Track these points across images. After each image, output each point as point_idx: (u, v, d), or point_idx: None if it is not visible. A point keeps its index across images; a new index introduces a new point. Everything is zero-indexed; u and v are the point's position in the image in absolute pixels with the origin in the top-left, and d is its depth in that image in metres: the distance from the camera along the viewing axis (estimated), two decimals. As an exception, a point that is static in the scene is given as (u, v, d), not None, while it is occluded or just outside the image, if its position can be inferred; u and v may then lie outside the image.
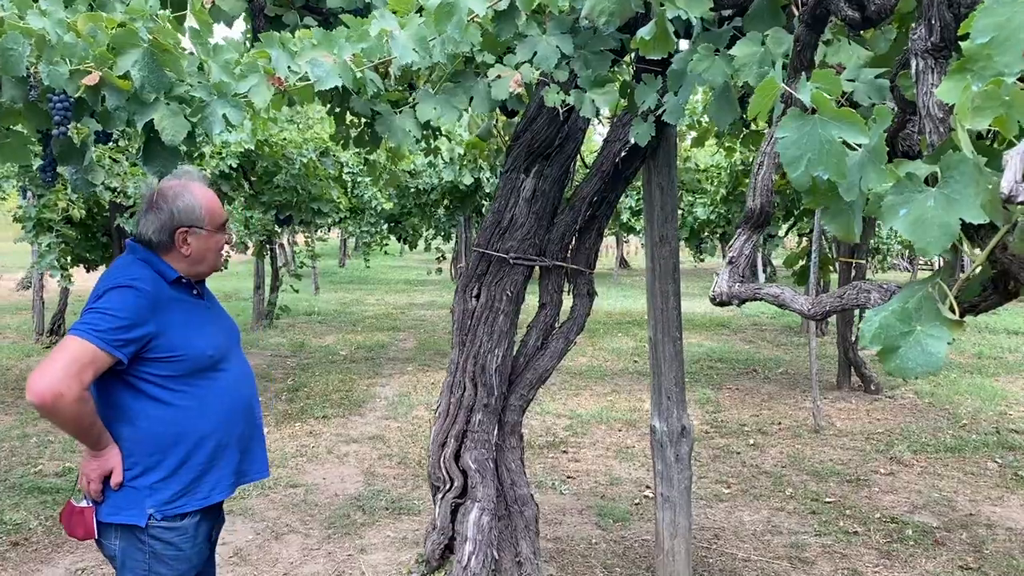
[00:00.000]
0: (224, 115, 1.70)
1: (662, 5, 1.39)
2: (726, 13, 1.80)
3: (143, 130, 1.73)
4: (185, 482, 2.13)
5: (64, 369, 1.89)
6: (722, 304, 1.43)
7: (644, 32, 1.46)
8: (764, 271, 19.07)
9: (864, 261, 7.97)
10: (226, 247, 2.32)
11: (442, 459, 3.12)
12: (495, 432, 3.17)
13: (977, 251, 0.96)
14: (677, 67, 2.02)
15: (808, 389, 8.04)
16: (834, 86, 1.02)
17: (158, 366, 2.09)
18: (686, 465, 3.47)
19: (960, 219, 0.87)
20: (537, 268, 3.23)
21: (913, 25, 1.22)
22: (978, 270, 0.97)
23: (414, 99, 2.03)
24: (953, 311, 0.92)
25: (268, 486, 5.02)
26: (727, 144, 5.18)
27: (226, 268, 10.99)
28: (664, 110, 2.08)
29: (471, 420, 3.14)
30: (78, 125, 1.78)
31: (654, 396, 3.53)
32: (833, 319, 8.26)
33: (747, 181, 7.28)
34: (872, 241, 8.05)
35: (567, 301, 3.33)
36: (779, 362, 9.67)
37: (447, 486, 3.10)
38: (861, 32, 1.67)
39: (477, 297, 3.20)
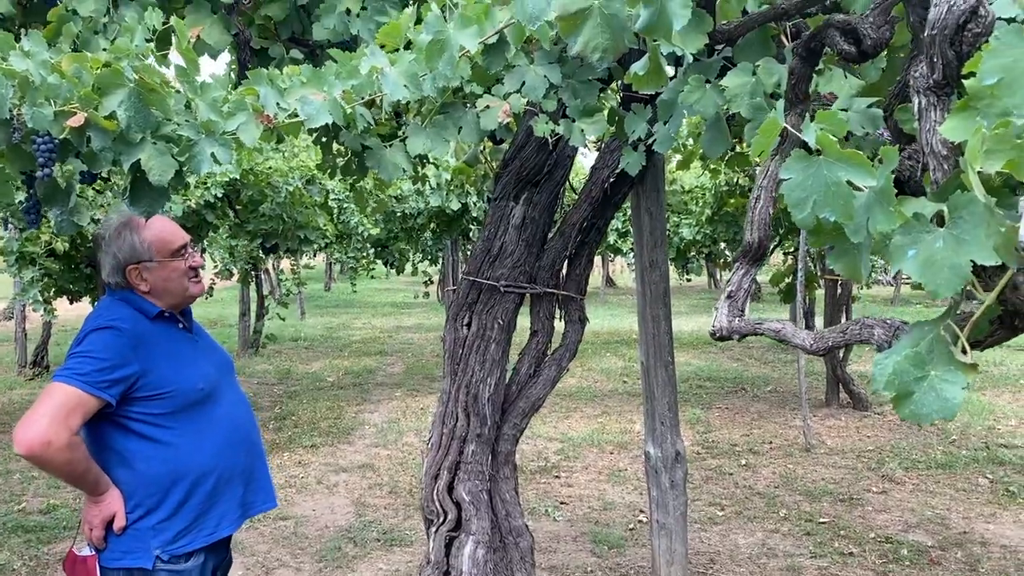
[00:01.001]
0: (212, 154, 1.67)
1: (655, 41, 1.38)
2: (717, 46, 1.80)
3: (129, 170, 1.71)
4: (188, 520, 2.09)
5: (50, 416, 1.85)
6: (722, 339, 1.41)
7: (637, 67, 1.46)
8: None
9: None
10: (196, 270, 2.23)
11: (435, 492, 3.08)
12: (489, 463, 3.13)
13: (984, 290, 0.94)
14: (667, 97, 2.01)
15: (797, 407, 8.05)
16: (838, 127, 1.01)
17: (148, 404, 2.05)
18: (681, 491, 3.44)
19: (971, 260, 0.86)
20: (528, 295, 3.21)
21: (912, 61, 1.22)
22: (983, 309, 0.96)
23: (403, 133, 2.02)
24: (966, 353, 0.91)
25: (257, 519, 4.94)
26: (712, 166, 5.21)
27: (211, 296, 10.90)
28: (654, 139, 2.07)
29: (464, 451, 3.10)
30: (63, 166, 1.75)
31: (647, 422, 3.51)
32: (820, 336, 8.28)
33: (731, 201, 7.33)
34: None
35: (559, 327, 3.31)
36: (767, 380, 9.69)
37: (441, 519, 3.06)
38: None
39: (468, 326, 3.18)
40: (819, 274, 8.19)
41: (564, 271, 3.32)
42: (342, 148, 3.17)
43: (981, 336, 1.03)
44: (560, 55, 2.50)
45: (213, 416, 2.16)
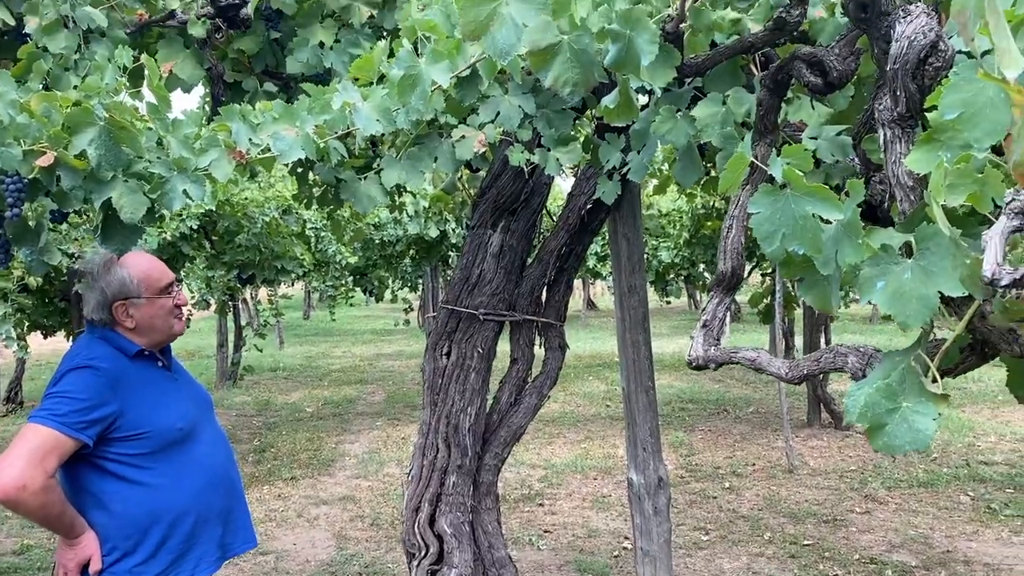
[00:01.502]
0: (185, 190, 1.66)
1: (625, 76, 1.40)
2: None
3: (101, 208, 1.69)
4: (166, 563, 2.05)
5: (26, 459, 1.82)
6: (699, 368, 1.42)
7: (608, 101, 1.47)
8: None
9: (827, 298, 8.08)
10: (183, 308, 2.23)
11: (416, 524, 3.04)
12: (470, 494, 3.11)
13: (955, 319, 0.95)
14: (640, 127, 2.03)
15: (779, 428, 8.06)
16: (805, 161, 1.02)
17: (126, 445, 2.02)
18: (665, 517, 3.42)
19: (939, 292, 0.86)
20: (508, 323, 3.21)
21: (877, 93, 1.24)
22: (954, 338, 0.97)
23: (378, 165, 2.02)
24: (936, 383, 0.92)
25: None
26: (688, 190, 5.25)
27: (188, 326, 10.78)
28: (629, 168, 2.08)
29: (445, 483, 3.07)
30: (32, 205, 1.73)
31: (629, 448, 3.50)
32: (799, 353, 8.33)
33: (708, 224, 7.38)
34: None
35: (539, 354, 3.31)
36: (749, 401, 9.71)
37: (422, 552, 3.02)
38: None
39: (447, 355, 3.17)
40: (797, 294, 8.26)
41: (543, 298, 3.32)
42: (318, 179, 3.17)
43: (952, 364, 1.03)
44: (534, 85, 2.52)
45: (191, 456, 2.14)
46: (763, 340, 15.66)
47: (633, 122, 2.12)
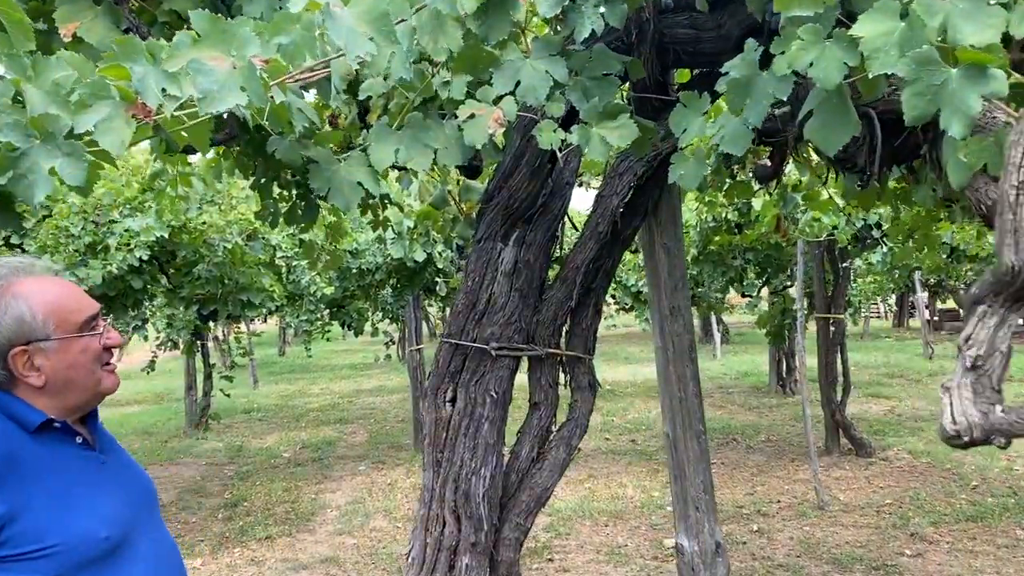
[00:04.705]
0: (52, 169, 1.01)
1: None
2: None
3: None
4: None
5: None
6: (970, 444, 0.78)
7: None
8: (718, 329, 18.71)
9: (842, 316, 7.50)
10: (113, 352, 1.51)
11: (422, 623, 2.37)
12: (488, 578, 2.44)
13: None
14: (741, 74, 1.41)
15: (796, 457, 7.46)
16: None
17: (21, 567, 1.32)
18: (725, 592, 2.77)
19: None
20: (525, 359, 2.57)
21: None
22: None
23: (365, 139, 1.36)
24: None
25: (200, 641, 4.12)
26: (708, 198, 4.65)
27: (153, 369, 9.95)
28: (724, 138, 1.46)
29: (456, 566, 2.41)
30: None
31: (677, 507, 2.85)
32: (815, 375, 7.72)
33: (716, 239, 6.78)
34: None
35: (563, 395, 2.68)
36: (757, 428, 9.08)
37: (431, 659, 2.34)
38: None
39: (452, 402, 2.52)
40: (809, 313, 7.66)
41: (567, 327, 2.69)
42: (285, 192, 2.52)
43: None
44: (563, 46, 1.91)
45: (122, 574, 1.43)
46: (759, 362, 15.05)
47: (722, 72, 1.50)
